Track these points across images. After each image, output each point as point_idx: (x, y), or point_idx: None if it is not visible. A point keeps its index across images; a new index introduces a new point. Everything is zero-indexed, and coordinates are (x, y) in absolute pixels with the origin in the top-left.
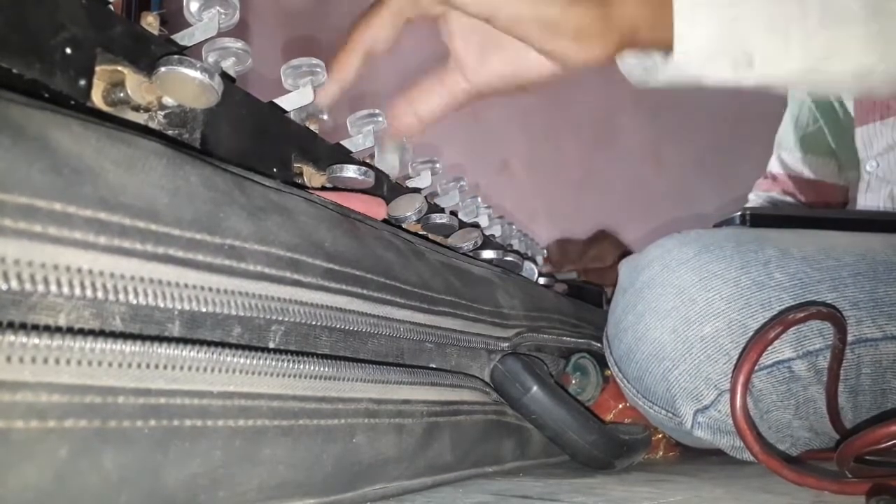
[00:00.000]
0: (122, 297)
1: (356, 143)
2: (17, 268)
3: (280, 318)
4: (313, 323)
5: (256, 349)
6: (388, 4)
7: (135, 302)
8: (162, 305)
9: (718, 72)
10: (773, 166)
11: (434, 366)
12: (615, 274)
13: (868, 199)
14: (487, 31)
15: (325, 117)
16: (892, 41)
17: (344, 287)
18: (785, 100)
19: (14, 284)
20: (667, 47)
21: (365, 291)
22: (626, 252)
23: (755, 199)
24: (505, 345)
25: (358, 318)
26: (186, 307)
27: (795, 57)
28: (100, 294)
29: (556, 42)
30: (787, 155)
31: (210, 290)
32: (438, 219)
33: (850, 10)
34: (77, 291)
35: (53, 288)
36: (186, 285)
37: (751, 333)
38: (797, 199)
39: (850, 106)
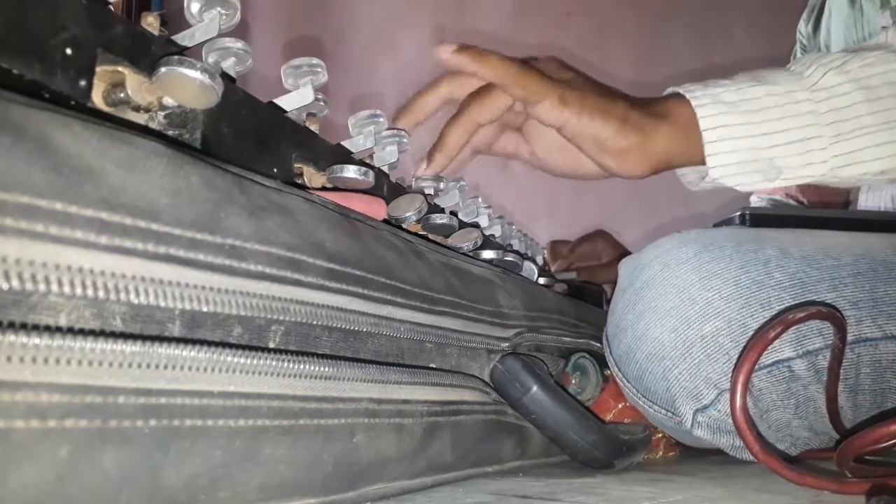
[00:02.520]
0: (123, 296)
1: (357, 143)
2: (19, 267)
3: (281, 318)
4: (314, 322)
5: (257, 349)
6: (519, 83)
7: (136, 301)
8: (163, 305)
9: (751, 183)
10: None
11: (434, 366)
12: (610, 273)
13: (869, 199)
14: (557, 136)
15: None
16: None
17: (345, 287)
18: None
19: (15, 284)
20: (699, 163)
21: (366, 291)
22: (623, 252)
23: (757, 200)
24: (505, 345)
25: (359, 317)
26: (187, 307)
27: (818, 165)
28: (101, 294)
29: (605, 157)
30: None
31: (211, 289)
32: (438, 219)
33: (862, 123)
34: (78, 291)
35: (55, 287)
36: (188, 285)
37: (751, 333)
38: (799, 200)
39: None
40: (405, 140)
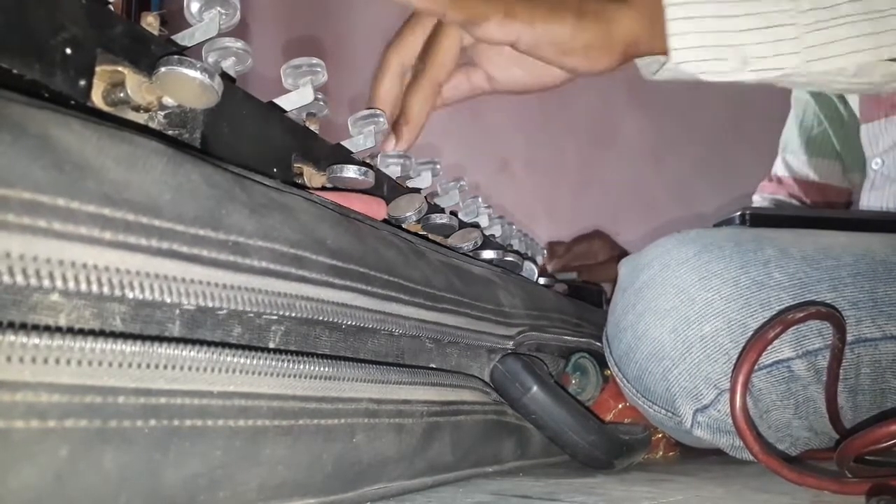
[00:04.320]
0: (127, 292)
1: (357, 143)
2: (23, 263)
3: (285, 314)
4: (319, 318)
5: (256, 349)
6: (422, 23)
7: (140, 297)
8: (168, 301)
9: (715, 72)
10: (778, 169)
11: (434, 366)
12: (606, 271)
13: (872, 198)
14: (511, 51)
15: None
16: (882, 41)
17: (349, 283)
18: (787, 101)
19: (20, 279)
20: (666, 53)
21: (369, 288)
22: (620, 251)
23: (760, 201)
24: (509, 343)
25: (363, 313)
26: (192, 302)
27: (789, 56)
28: (105, 289)
29: (569, 58)
30: (792, 158)
31: (216, 285)
32: (438, 219)
33: (841, 11)
34: (83, 287)
35: (58, 283)
36: (192, 280)
37: (750, 333)
38: (802, 201)
39: (855, 105)
40: None
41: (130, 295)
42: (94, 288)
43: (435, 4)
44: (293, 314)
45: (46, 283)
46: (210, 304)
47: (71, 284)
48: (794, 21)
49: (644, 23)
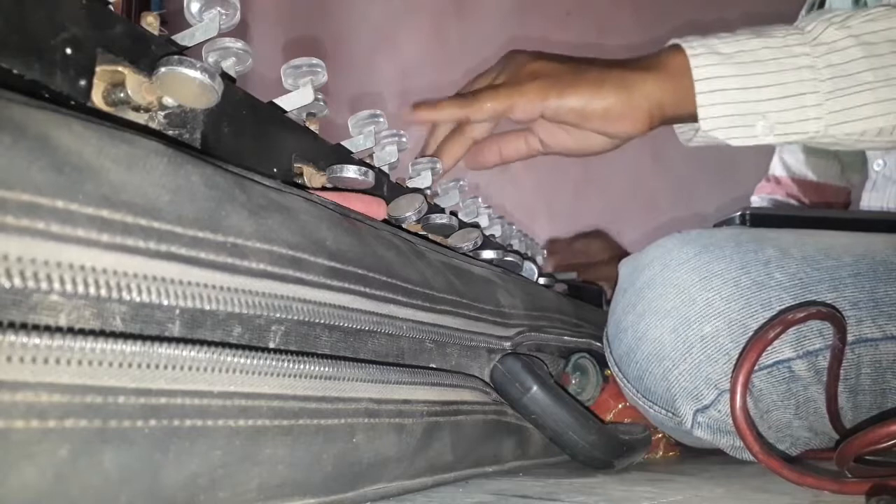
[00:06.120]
0: (124, 294)
1: (357, 143)
2: (20, 265)
3: (283, 317)
4: (316, 321)
5: (257, 349)
6: (485, 107)
7: (138, 300)
8: (165, 303)
9: (743, 138)
10: (776, 169)
11: (434, 366)
12: (605, 271)
13: (873, 198)
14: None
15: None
16: None
17: (347, 285)
18: None
19: (17, 282)
20: (695, 119)
21: (367, 290)
22: (620, 252)
23: (758, 201)
24: (506, 344)
25: (361, 316)
26: (189, 305)
27: (812, 122)
28: (103, 292)
29: (592, 124)
30: (789, 157)
31: (213, 287)
32: (438, 219)
33: (861, 80)
34: (80, 289)
35: (56, 286)
36: (189, 283)
37: (751, 333)
38: (800, 201)
39: None
40: (405, 140)
41: (128, 297)
42: (92, 290)
43: (460, 115)
44: (290, 316)
45: (44, 285)
46: (207, 307)
47: (69, 287)
48: (816, 89)
49: (670, 89)
